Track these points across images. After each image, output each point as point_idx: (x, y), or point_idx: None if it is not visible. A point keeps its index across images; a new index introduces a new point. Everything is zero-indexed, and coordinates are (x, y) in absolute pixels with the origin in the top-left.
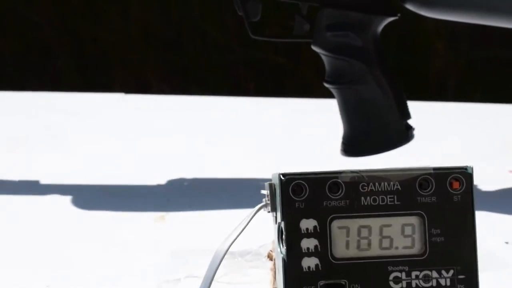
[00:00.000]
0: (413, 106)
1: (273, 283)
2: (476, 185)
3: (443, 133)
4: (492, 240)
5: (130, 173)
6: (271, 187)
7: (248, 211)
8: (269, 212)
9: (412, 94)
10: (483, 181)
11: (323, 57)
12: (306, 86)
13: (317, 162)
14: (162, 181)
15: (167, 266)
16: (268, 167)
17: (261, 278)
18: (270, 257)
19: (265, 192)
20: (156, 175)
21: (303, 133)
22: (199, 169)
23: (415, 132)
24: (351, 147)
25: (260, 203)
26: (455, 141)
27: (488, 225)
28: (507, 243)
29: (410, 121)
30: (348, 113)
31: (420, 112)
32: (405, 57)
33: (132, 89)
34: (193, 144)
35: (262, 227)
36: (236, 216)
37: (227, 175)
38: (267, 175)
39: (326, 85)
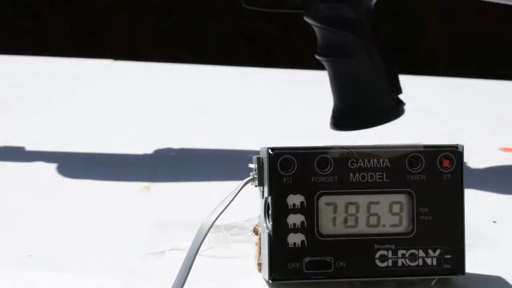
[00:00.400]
0: (404, 80)
1: (258, 258)
2: (465, 162)
3: (434, 108)
4: (480, 219)
5: (117, 141)
6: (259, 161)
7: (236, 184)
8: (256, 186)
9: (403, 68)
10: (473, 158)
11: (315, 29)
12: (298, 57)
13: (307, 134)
14: (149, 150)
15: (151, 238)
16: (258, 138)
17: (246, 253)
18: (255, 231)
19: (252, 166)
20: (143, 144)
21: (294, 104)
22: (187, 139)
23: (405, 107)
24: (340, 121)
25: (248, 175)
26: (446, 117)
27: (476, 204)
28: (495, 222)
29: (401, 96)
30: (339, 86)
31: (412, 87)
32: (397, 31)
33: (123, 55)
34: (182, 113)
35: (249, 201)
36: (223, 187)
37: (216, 146)
38: (256, 147)
39: (317, 57)
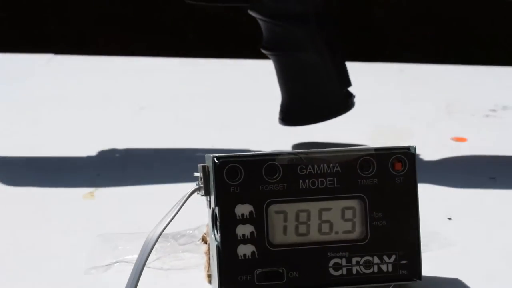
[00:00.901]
0: (353, 68)
1: (208, 269)
2: (418, 154)
3: (384, 96)
4: (434, 217)
5: (58, 143)
6: (205, 170)
7: (184, 187)
8: (202, 196)
9: (353, 54)
10: (425, 150)
11: (260, 23)
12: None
13: (260, 130)
14: (92, 152)
15: (96, 251)
16: (209, 136)
17: (195, 263)
18: (204, 240)
19: (198, 174)
20: (85, 146)
21: (248, 97)
22: (132, 138)
23: (355, 100)
24: (289, 116)
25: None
26: (397, 105)
27: (430, 200)
28: (450, 219)
29: (350, 88)
30: (286, 81)
31: (362, 75)
32: (347, 15)
33: (73, 46)
34: (126, 110)
35: (197, 207)
36: (172, 191)
37: (163, 145)
38: (207, 145)
39: (263, 51)
